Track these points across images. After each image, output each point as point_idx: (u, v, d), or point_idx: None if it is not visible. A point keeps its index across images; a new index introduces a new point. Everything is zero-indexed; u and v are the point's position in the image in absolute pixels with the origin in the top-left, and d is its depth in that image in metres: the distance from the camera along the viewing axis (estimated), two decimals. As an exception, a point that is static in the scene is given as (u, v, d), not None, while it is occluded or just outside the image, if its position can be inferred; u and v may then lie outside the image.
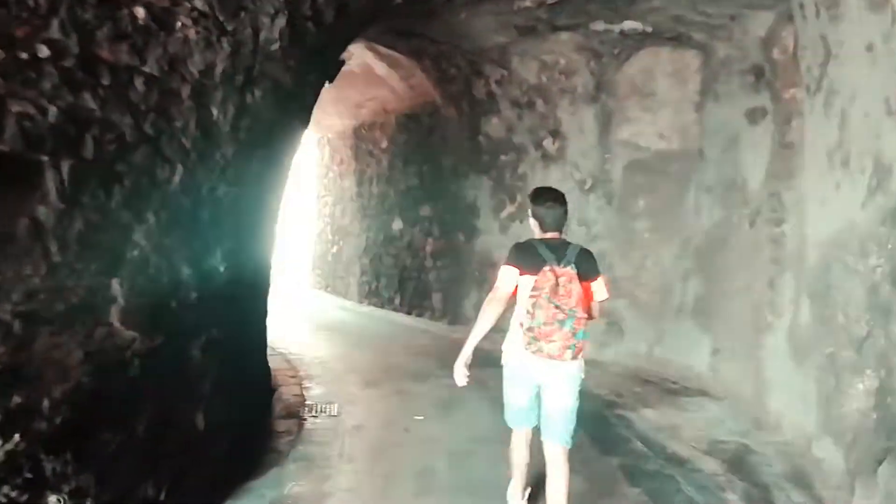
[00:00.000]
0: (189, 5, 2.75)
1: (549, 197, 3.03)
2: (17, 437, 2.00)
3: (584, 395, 2.97)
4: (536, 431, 3.04)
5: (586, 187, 7.28)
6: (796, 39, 4.59)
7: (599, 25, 6.31)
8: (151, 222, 2.66)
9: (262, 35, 3.34)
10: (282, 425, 4.59)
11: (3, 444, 1.97)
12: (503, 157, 8.31)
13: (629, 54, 6.70)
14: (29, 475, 2.04)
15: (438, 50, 7.73)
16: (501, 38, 6.95)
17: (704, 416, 5.04)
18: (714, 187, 6.21)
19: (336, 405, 5.07)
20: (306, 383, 5.84)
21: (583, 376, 2.90)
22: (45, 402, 2.11)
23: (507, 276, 2.87)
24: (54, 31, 2.14)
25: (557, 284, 2.70)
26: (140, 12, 2.50)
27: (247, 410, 3.94)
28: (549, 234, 2.97)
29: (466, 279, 8.85)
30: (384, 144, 11.16)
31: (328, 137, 13.31)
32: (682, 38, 6.21)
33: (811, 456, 3.84)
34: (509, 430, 3.16)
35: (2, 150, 1.97)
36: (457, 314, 8.98)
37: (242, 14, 3.14)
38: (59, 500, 2.15)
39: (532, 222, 3.06)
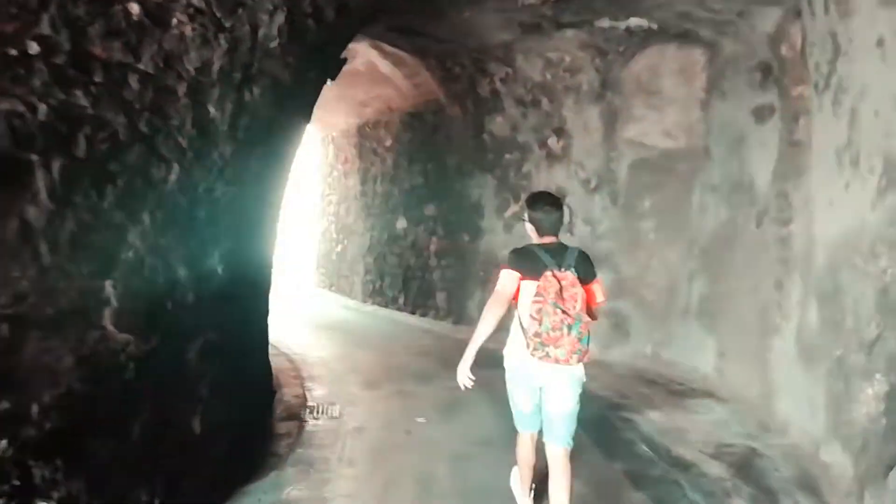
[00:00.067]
0: (185, 1, 2.71)
1: (545, 201, 3.03)
2: (4, 443, 1.96)
3: (586, 397, 2.98)
4: (541, 433, 3.05)
5: (591, 186, 7.22)
6: (804, 36, 4.51)
7: (605, 22, 6.24)
8: (147, 223, 2.62)
9: (261, 32, 3.29)
10: (282, 427, 4.55)
11: (-10, 450, 1.93)
12: (507, 156, 8.26)
13: (635, 52, 6.62)
14: (17, 482, 2.00)
15: (443, 48, 7.68)
16: (506, 35, 6.89)
17: (710, 419, 4.97)
18: (720, 186, 6.13)
19: (337, 406, 5.04)
20: (308, 384, 5.80)
21: (584, 380, 2.91)
22: (34, 408, 2.07)
23: (508, 279, 2.87)
24: (45, 27, 2.10)
25: (562, 289, 2.71)
26: (134, 8, 2.46)
27: (246, 412, 3.89)
28: (546, 239, 2.98)
29: (470, 279, 8.80)
30: (388, 143, 11.13)
31: (332, 136, 13.28)
32: (689, 34, 6.13)
33: (819, 461, 3.78)
34: (512, 434, 3.21)
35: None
36: (461, 314, 8.94)
37: (240, 10, 3.09)
38: (49, 507, 2.11)
39: (528, 227, 3.06)
